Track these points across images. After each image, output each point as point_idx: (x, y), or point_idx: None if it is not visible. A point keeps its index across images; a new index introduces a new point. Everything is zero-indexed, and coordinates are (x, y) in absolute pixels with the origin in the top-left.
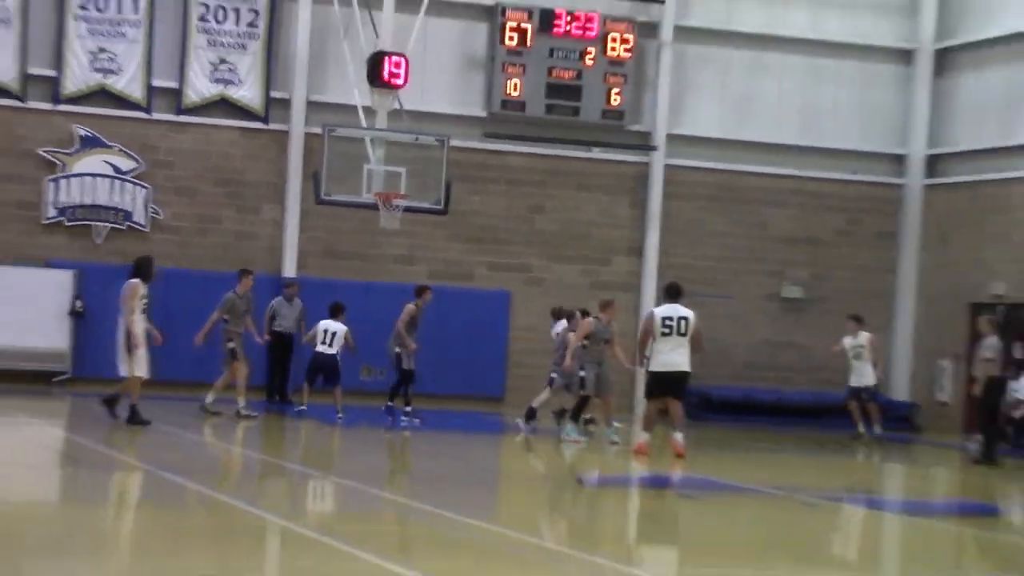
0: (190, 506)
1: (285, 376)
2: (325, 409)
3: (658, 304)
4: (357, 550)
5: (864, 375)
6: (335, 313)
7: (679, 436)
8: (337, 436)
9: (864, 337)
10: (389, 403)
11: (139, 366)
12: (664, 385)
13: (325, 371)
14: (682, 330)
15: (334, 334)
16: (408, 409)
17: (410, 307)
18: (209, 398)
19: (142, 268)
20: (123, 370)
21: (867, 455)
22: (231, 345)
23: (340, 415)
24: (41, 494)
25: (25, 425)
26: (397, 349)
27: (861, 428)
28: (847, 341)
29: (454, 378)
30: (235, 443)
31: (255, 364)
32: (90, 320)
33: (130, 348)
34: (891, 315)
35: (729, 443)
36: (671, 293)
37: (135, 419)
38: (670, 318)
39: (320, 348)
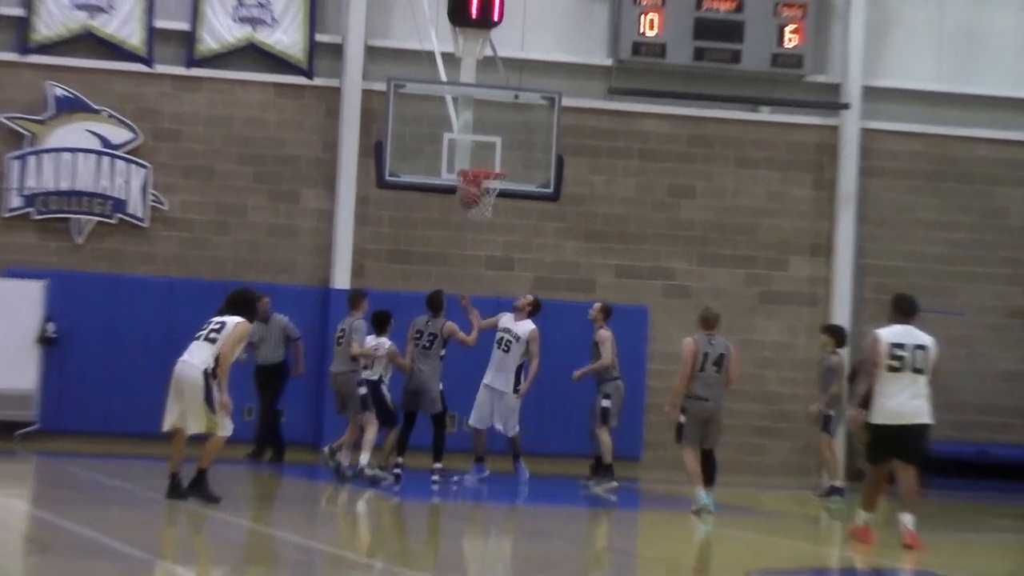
0: None
1: (275, 420)
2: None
3: (881, 326)
4: None
5: None
6: (380, 326)
7: (909, 519)
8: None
9: None
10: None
11: (226, 425)
12: (892, 444)
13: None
14: (918, 364)
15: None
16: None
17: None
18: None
19: (250, 305)
20: (197, 426)
21: None
22: (362, 391)
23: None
24: None
25: None
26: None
27: None
28: None
29: (566, 430)
30: (267, 523)
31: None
32: (66, 350)
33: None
34: None
35: (959, 520)
36: (903, 309)
37: (203, 492)
38: (902, 346)
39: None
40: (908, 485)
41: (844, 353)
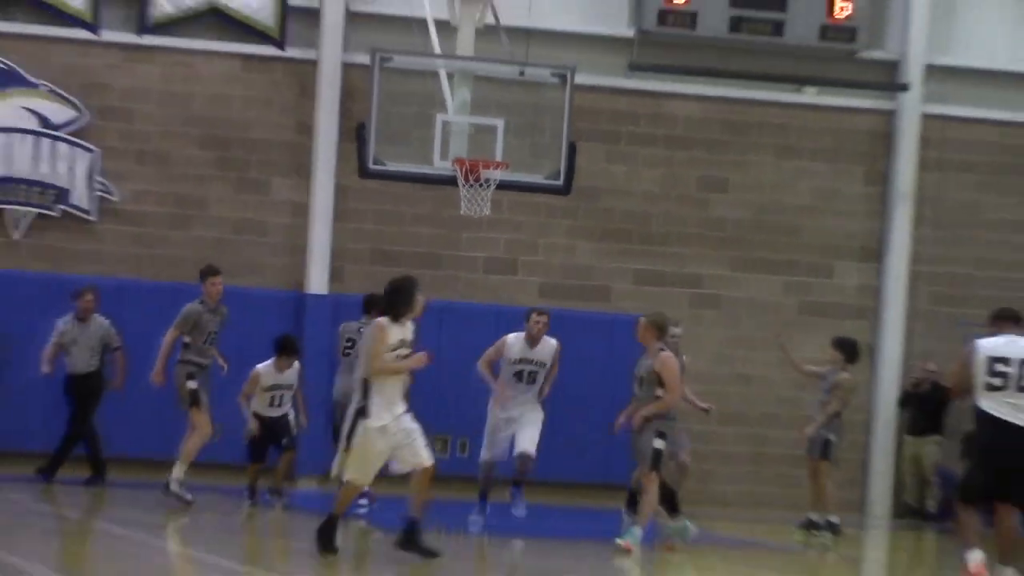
0: None
1: (93, 436)
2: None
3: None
4: None
5: None
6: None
7: (1012, 574)
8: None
9: None
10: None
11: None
12: (995, 478)
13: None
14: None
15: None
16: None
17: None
18: (174, 474)
19: (396, 301)
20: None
21: None
22: (191, 385)
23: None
24: None
25: None
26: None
27: None
28: None
29: (578, 457)
30: (219, 553)
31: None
32: (2, 365)
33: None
34: None
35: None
36: (1006, 318)
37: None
38: (1005, 360)
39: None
40: (1009, 528)
41: (892, 373)
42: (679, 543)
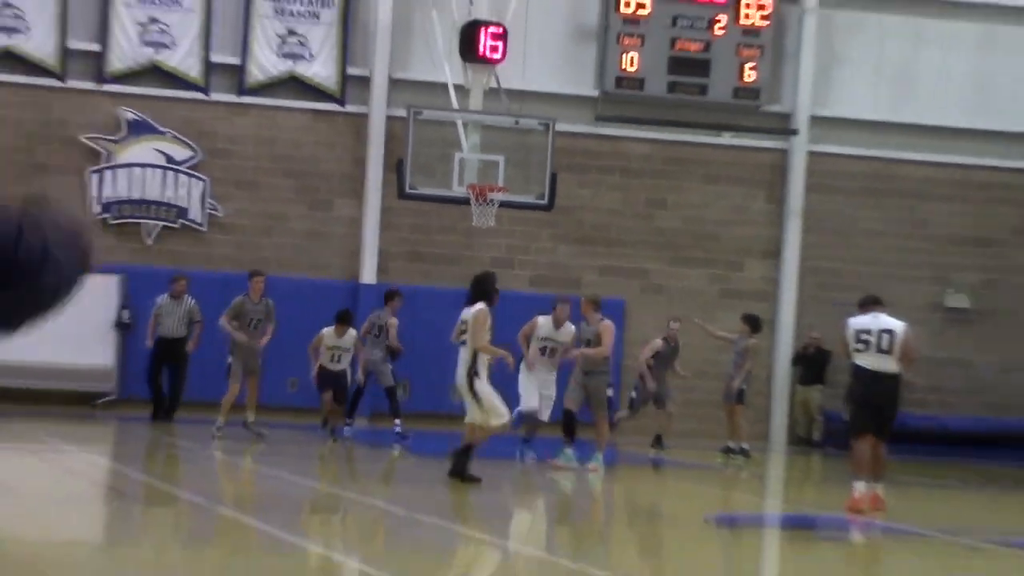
0: (249, 545)
1: (177, 389)
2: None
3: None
4: None
5: None
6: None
7: (879, 488)
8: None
9: None
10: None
11: (496, 413)
12: (866, 415)
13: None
14: (883, 345)
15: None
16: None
17: (393, 320)
18: (248, 417)
19: (487, 289)
20: (472, 417)
21: None
22: (229, 359)
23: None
24: (82, 532)
25: (65, 453)
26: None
27: None
28: None
29: (558, 402)
30: (298, 472)
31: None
32: (139, 333)
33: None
34: None
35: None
36: (870, 302)
37: (463, 469)
38: (868, 331)
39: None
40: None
41: (787, 340)
42: (563, 463)
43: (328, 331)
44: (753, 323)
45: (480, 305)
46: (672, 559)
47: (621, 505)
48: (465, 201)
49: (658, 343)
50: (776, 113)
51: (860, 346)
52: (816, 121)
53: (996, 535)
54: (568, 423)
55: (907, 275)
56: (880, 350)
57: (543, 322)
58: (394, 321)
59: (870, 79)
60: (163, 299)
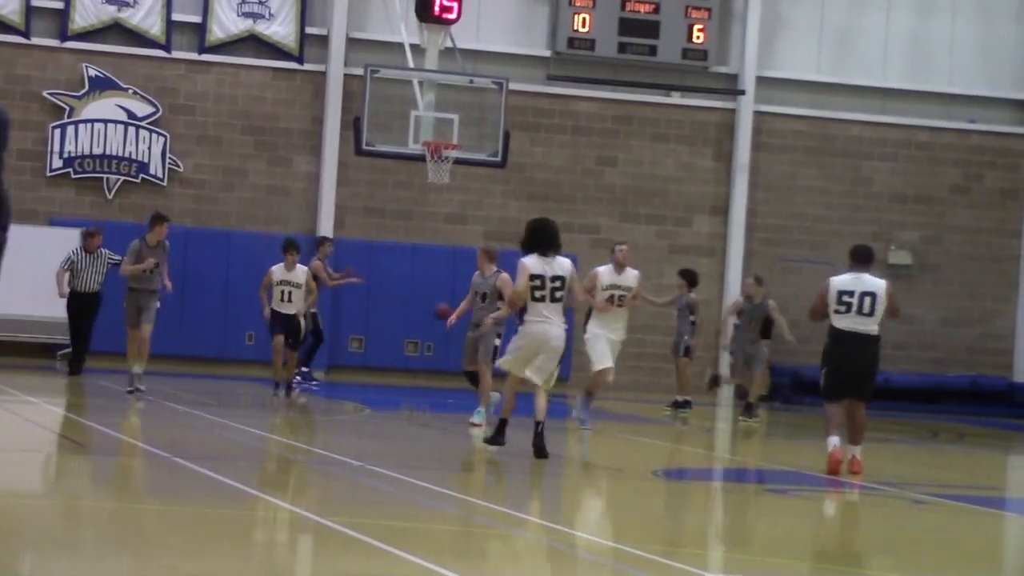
0: (209, 497)
1: (84, 343)
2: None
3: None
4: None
5: None
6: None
7: (857, 451)
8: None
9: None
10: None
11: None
12: (844, 378)
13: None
14: (865, 309)
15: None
16: (305, 370)
17: (316, 263)
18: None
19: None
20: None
21: (993, 447)
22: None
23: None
24: (42, 484)
25: (25, 404)
26: (314, 310)
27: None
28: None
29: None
30: (259, 427)
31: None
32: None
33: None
34: (1015, 284)
35: (824, 431)
36: (858, 258)
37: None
38: (850, 293)
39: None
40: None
41: (734, 294)
42: (479, 421)
43: (277, 267)
44: (690, 278)
45: (566, 259)
46: (619, 511)
47: (574, 459)
48: (420, 158)
49: (738, 301)
50: (723, 74)
51: (840, 308)
52: (762, 82)
53: (939, 489)
54: (474, 382)
55: (850, 232)
56: (861, 312)
57: (604, 271)
58: (317, 264)
59: (813, 41)
60: (77, 253)
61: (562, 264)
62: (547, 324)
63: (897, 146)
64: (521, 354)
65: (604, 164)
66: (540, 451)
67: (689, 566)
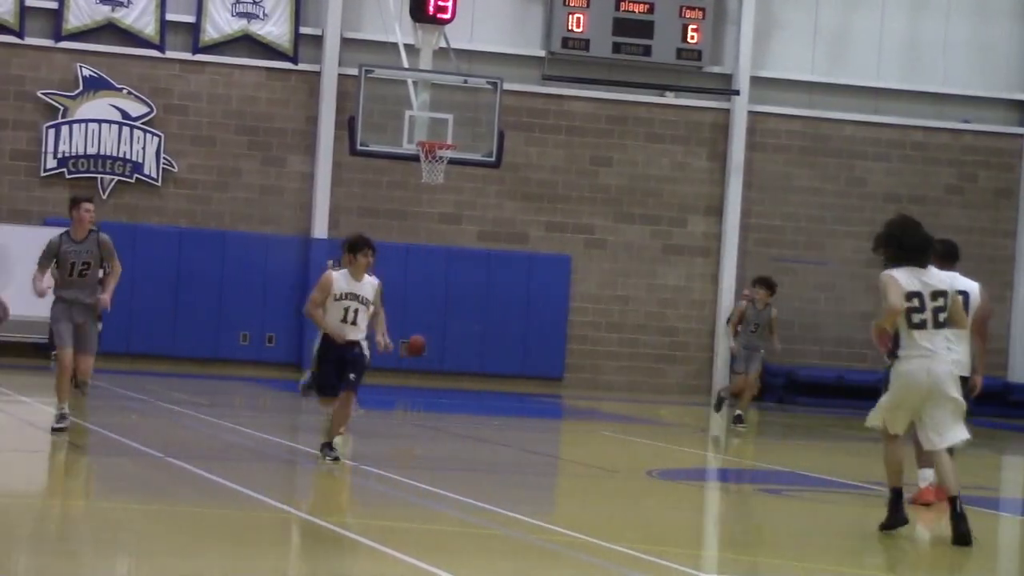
0: (204, 497)
1: None
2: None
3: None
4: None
5: None
6: None
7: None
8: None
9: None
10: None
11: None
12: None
13: None
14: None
15: None
16: None
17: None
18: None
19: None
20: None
21: (988, 447)
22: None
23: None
24: (39, 484)
25: (20, 404)
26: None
27: None
28: None
29: (504, 356)
30: (254, 427)
31: None
32: None
33: None
34: (1009, 284)
35: (819, 431)
36: (941, 253)
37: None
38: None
39: None
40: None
41: (729, 294)
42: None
43: (339, 274)
44: (770, 285)
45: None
46: (610, 509)
47: (567, 459)
48: (415, 158)
49: (741, 305)
50: (717, 74)
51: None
52: (756, 82)
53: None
54: None
55: (845, 232)
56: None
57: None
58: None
59: (808, 42)
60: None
61: (962, 282)
62: (930, 360)
63: (891, 146)
64: (896, 404)
65: (598, 164)
66: (962, 538)
67: (682, 566)
